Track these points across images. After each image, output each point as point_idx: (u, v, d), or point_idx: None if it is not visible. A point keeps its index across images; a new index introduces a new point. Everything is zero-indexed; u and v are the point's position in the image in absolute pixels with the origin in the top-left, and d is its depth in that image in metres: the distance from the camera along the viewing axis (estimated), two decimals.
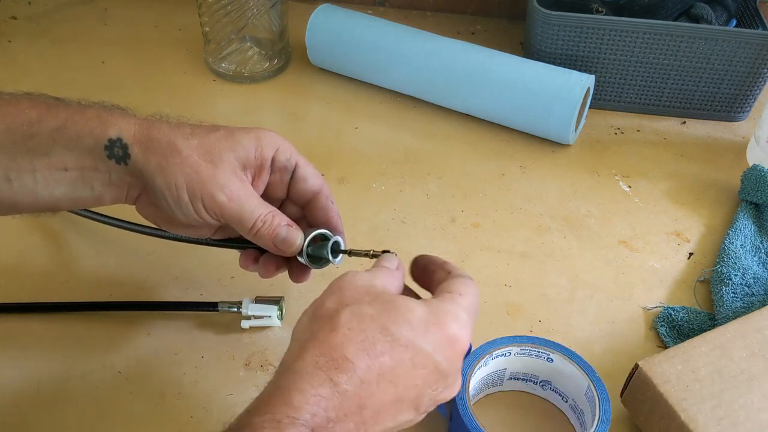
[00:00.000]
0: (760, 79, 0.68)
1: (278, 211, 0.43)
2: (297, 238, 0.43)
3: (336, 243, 0.44)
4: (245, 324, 0.50)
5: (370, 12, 0.86)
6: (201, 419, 0.46)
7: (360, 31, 0.71)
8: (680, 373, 0.43)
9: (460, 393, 0.42)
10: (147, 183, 0.41)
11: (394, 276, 0.38)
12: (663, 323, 0.52)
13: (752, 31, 0.67)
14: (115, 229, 0.52)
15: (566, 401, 0.46)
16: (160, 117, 0.42)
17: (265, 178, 0.43)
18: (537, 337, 0.45)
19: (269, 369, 0.49)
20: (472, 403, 0.42)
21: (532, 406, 0.47)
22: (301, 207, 0.46)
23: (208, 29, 0.73)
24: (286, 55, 0.77)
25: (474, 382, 0.44)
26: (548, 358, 0.45)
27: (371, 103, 0.73)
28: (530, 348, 0.45)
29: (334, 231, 0.45)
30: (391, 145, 0.68)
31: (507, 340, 0.45)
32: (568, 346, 0.45)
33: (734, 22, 0.73)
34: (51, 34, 0.81)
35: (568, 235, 0.60)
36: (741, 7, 0.73)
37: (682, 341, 0.45)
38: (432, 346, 0.33)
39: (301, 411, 0.29)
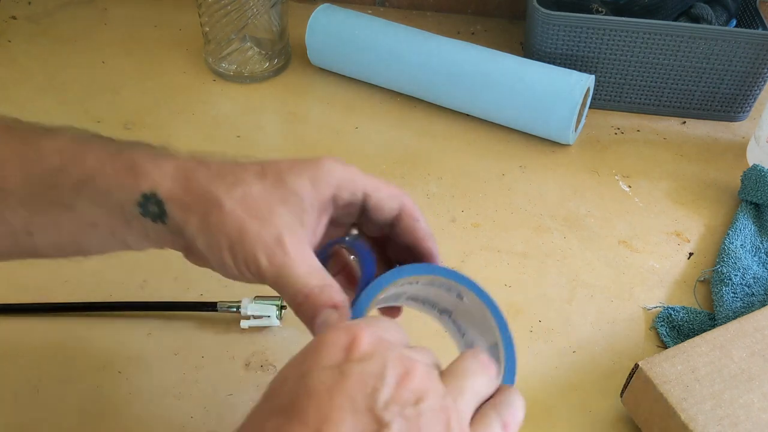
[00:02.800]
0: (760, 79, 0.68)
1: (331, 283, 0.34)
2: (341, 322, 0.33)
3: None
4: (244, 324, 0.50)
5: (370, 12, 0.86)
6: (201, 419, 0.45)
7: (360, 31, 0.71)
8: (680, 373, 0.43)
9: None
10: (188, 242, 0.35)
11: None
12: (663, 323, 0.52)
13: (752, 31, 0.67)
14: None
15: (463, 336, 0.39)
16: (201, 158, 0.36)
17: (324, 220, 0.37)
18: (453, 271, 0.36)
19: (269, 369, 0.49)
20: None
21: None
22: (381, 227, 0.39)
23: (208, 29, 0.73)
24: (286, 55, 0.77)
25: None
26: (458, 294, 0.37)
27: (371, 103, 0.73)
28: (441, 281, 0.36)
29: (423, 257, 0.38)
30: (391, 145, 0.68)
31: (415, 269, 0.36)
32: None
33: (734, 22, 0.73)
34: (51, 34, 0.81)
35: (568, 235, 0.60)
36: (741, 7, 0.73)
37: (682, 341, 0.45)
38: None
39: None
